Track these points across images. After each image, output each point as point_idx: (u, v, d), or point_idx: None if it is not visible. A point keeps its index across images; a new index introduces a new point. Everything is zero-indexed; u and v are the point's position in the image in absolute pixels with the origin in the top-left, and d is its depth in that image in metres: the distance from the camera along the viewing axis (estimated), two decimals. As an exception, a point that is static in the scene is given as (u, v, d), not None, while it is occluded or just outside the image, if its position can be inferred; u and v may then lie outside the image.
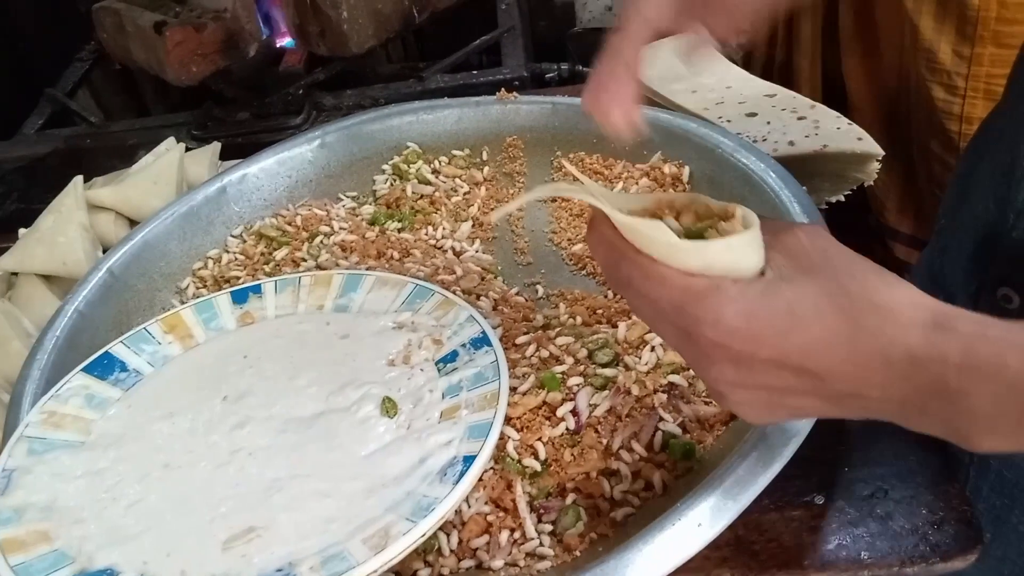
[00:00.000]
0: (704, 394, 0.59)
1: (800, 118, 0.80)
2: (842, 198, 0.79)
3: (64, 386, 0.62)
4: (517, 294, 0.74)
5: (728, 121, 0.82)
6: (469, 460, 0.51)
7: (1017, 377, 0.34)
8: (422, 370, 0.60)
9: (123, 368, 0.64)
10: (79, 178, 0.87)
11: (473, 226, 0.83)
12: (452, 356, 0.61)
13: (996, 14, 0.82)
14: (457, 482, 0.49)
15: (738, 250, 0.40)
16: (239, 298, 0.70)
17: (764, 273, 0.40)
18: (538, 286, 0.76)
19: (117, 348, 0.65)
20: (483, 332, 0.61)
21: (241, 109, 1.19)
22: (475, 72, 1.22)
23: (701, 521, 0.47)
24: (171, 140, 0.96)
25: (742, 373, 0.40)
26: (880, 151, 0.76)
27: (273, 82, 1.25)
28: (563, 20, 2.31)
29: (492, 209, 0.85)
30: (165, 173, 0.88)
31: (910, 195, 1.00)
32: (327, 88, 1.25)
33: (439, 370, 0.60)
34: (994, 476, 0.59)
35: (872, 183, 0.79)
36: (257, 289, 0.71)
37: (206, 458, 0.56)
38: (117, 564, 0.49)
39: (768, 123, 0.80)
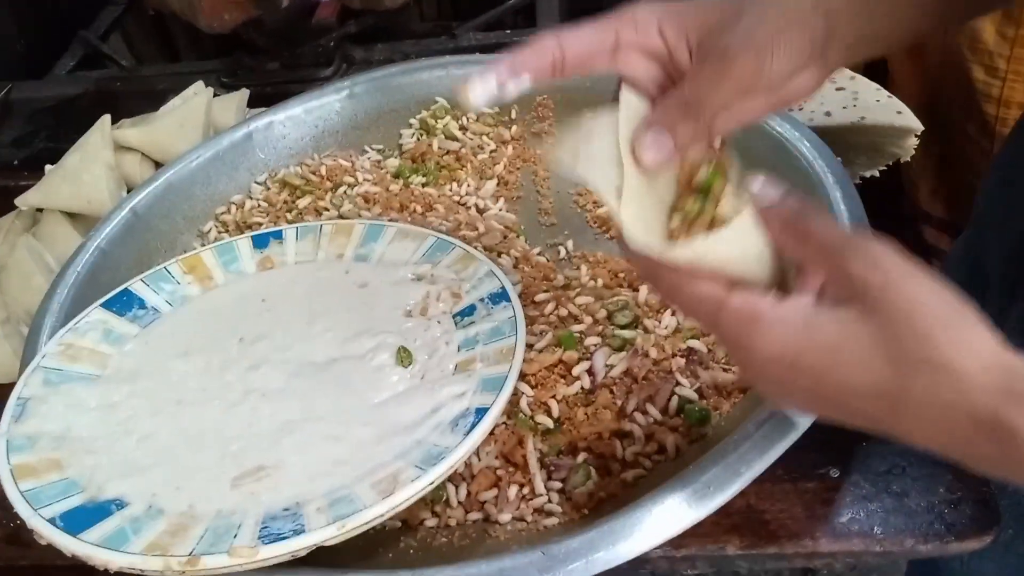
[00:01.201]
0: (723, 360, 0.58)
1: (839, 88, 0.78)
2: (876, 173, 0.77)
3: (82, 320, 0.62)
4: (539, 254, 0.73)
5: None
6: (481, 412, 0.50)
7: None
8: (439, 322, 0.60)
9: (142, 305, 0.64)
10: (106, 117, 0.86)
11: (498, 184, 0.82)
12: (470, 310, 0.60)
13: None
14: (468, 433, 0.49)
15: (722, 245, 0.39)
16: (260, 243, 0.70)
17: (802, 291, 0.38)
18: (561, 247, 0.75)
19: (136, 286, 0.65)
20: (502, 287, 0.60)
21: (271, 59, 1.17)
22: (508, 31, 1.20)
23: (712, 485, 0.46)
24: (199, 84, 0.95)
25: (784, 391, 0.39)
26: (919, 126, 0.74)
27: (305, 33, 1.24)
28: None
29: (518, 168, 0.84)
30: (192, 117, 0.88)
31: (944, 179, 0.98)
32: (358, 42, 1.23)
33: (456, 323, 0.60)
34: None
35: (908, 160, 0.77)
36: (278, 235, 0.70)
37: (219, 397, 0.56)
38: (126, 495, 0.49)
39: (805, 92, 0.78)
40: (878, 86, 0.77)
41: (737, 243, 0.39)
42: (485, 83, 0.43)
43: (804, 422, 0.49)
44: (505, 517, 0.53)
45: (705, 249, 0.39)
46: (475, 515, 0.54)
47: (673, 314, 0.61)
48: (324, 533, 0.44)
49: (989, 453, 0.33)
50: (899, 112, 0.74)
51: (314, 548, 0.44)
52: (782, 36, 0.41)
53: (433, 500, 0.54)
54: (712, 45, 0.42)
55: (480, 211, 0.79)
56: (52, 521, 0.46)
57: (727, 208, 0.41)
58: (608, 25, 0.44)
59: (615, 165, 0.42)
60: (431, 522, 0.54)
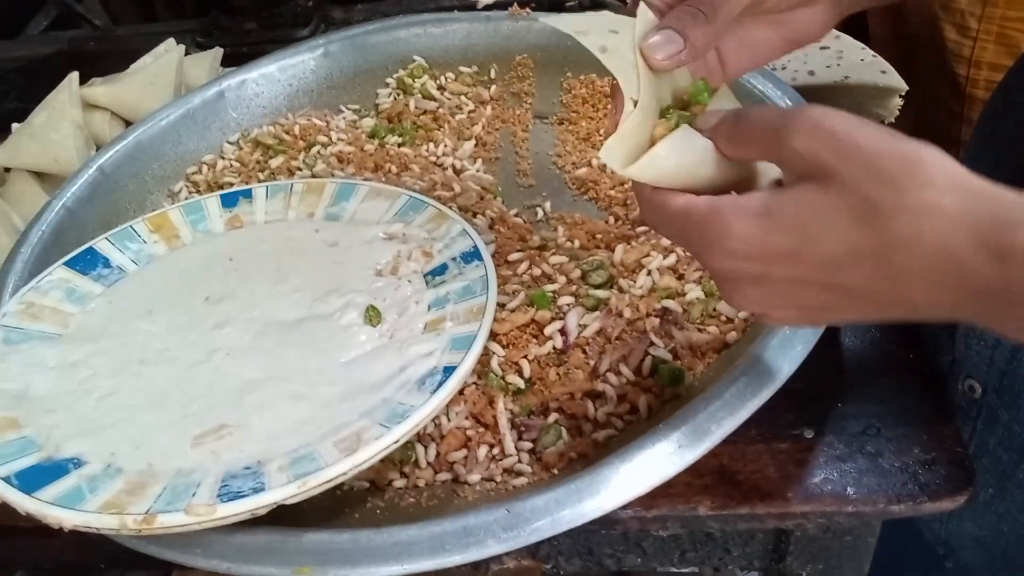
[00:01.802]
0: (698, 321, 0.57)
1: (823, 47, 0.77)
2: (860, 135, 0.75)
3: (45, 278, 0.60)
4: (516, 215, 0.72)
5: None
6: (449, 371, 0.49)
7: None
8: (410, 281, 0.59)
9: (106, 264, 0.63)
10: (74, 74, 0.84)
11: (476, 145, 0.81)
12: (441, 269, 0.59)
13: None
14: (435, 391, 0.48)
15: (670, 155, 0.39)
16: (229, 202, 0.68)
17: (758, 180, 0.38)
18: (539, 208, 0.73)
19: (101, 244, 0.64)
20: (475, 246, 0.59)
21: (248, 19, 1.15)
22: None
23: (682, 443, 0.46)
24: (171, 42, 0.93)
25: (765, 293, 0.38)
26: (903, 86, 0.73)
27: (284, -7, 1.22)
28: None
29: (497, 129, 0.83)
30: (163, 74, 0.86)
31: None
32: (338, 2, 1.21)
33: (427, 282, 0.59)
34: (1003, 430, 0.56)
35: (892, 122, 0.76)
36: (248, 193, 0.69)
37: (183, 356, 0.55)
38: (84, 453, 0.48)
39: (789, 51, 0.77)
40: (863, 45, 0.76)
41: (685, 150, 0.39)
42: (671, 37, 0.42)
43: (779, 379, 0.48)
44: (474, 477, 0.52)
45: (655, 159, 0.39)
46: (444, 475, 0.53)
47: (648, 274, 0.60)
48: (284, 491, 0.43)
49: (989, 280, 0.31)
50: (883, 72, 0.73)
51: (275, 507, 0.43)
52: None
53: (402, 460, 0.53)
54: None
55: (457, 172, 0.77)
56: (7, 479, 0.45)
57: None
58: None
59: (633, 68, 0.42)
60: (399, 483, 0.53)
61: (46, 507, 0.43)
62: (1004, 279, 0.31)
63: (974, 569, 0.64)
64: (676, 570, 0.59)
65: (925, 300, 0.34)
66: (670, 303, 0.57)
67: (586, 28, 0.42)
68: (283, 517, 0.45)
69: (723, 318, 0.57)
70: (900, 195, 0.32)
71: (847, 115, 0.34)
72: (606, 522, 0.51)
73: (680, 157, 0.39)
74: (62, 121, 0.80)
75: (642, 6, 0.43)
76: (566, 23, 0.43)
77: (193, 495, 0.44)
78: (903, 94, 0.73)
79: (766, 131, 0.36)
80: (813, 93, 0.71)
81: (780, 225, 0.35)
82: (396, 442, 0.46)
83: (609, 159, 0.39)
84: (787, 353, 0.49)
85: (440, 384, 0.48)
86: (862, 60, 0.74)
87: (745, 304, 0.40)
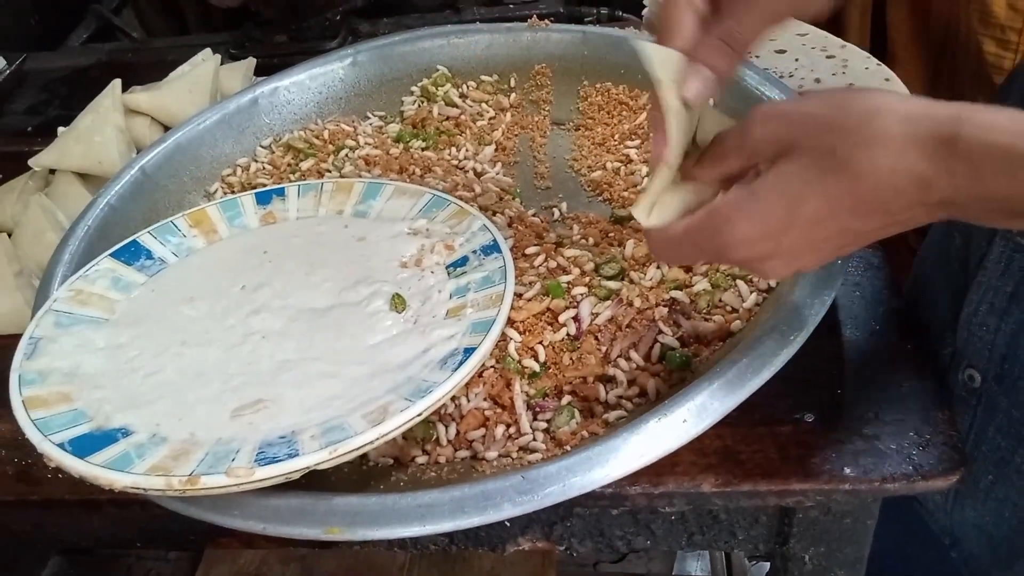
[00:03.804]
0: (704, 311, 0.61)
1: (829, 56, 0.80)
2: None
3: (92, 268, 0.64)
4: (533, 215, 0.75)
5: (757, 57, 0.81)
6: (469, 351, 0.53)
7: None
8: (432, 272, 0.62)
9: (149, 256, 0.67)
10: (117, 81, 0.89)
11: (496, 150, 0.85)
12: (463, 261, 0.63)
13: None
14: (456, 370, 0.51)
15: (676, 202, 0.46)
16: (263, 199, 0.72)
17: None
18: (555, 209, 0.77)
19: (144, 237, 0.68)
20: (494, 240, 0.63)
21: (279, 31, 1.20)
22: (511, 6, 1.22)
23: (686, 418, 0.49)
24: (207, 51, 0.98)
25: (786, 259, 0.43)
26: (907, 94, 0.75)
27: (313, 8, 1.26)
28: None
29: (516, 135, 0.86)
30: (200, 82, 0.91)
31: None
32: (364, 16, 1.26)
33: (449, 273, 0.62)
34: (1002, 416, 0.59)
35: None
36: (281, 192, 0.73)
37: (221, 338, 0.58)
38: (131, 424, 0.52)
39: (796, 60, 0.80)
40: (867, 54, 0.79)
41: (685, 192, 0.46)
42: (704, 75, 0.45)
43: (779, 360, 0.51)
44: (492, 454, 0.55)
45: (666, 209, 0.46)
46: (463, 453, 0.56)
47: (658, 267, 0.63)
48: (316, 457, 0.47)
49: (944, 190, 0.36)
50: (887, 80, 0.76)
51: (307, 471, 0.47)
52: None
53: (424, 438, 0.57)
54: None
55: (478, 174, 0.81)
56: (61, 446, 0.49)
57: None
58: None
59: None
60: (421, 459, 0.56)
61: (98, 470, 0.47)
62: (952, 181, 0.36)
63: (979, 557, 0.66)
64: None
65: (907, 217, 0.38)
66: (678, 294, 0.61)
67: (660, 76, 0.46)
68: (314, 483, 0.49)
69: (728, 308, 0.61)
70: (850, 139, 0.37)
71: (797, 97, 0.39)
72: (616, 498, 0.54)
73: (683, 200, 0.46)
74: (106, 125, 0.85)
75: (662, 49, 0.46)
76: (652, 67, 0.46)
77: (233, 460, 0.47)
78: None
79: (732, 140, 0.42)
80: (819, 100, 0.74)
81: (768, 202, 0.39)
82: (419, 415, 0.49)
83: (640, 216, 0.46)
84: (786, 340, 0.52)
85: (461, 363, 0.52)
86: (866, 68, 0.77)
87: (776, 273, 0.45)
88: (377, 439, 0.48)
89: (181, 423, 0.52)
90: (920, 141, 0.36)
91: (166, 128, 0.90)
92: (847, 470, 0.54)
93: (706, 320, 0.60)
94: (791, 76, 0.78)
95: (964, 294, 0.59)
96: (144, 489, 0.47)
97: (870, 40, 1.11)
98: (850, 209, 0.38)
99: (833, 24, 1.15)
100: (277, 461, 0.47)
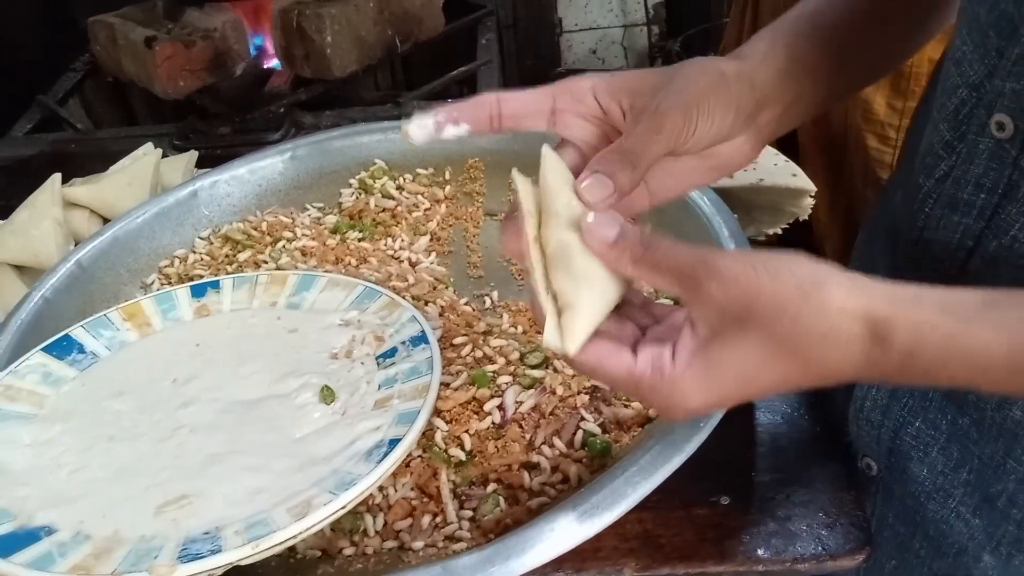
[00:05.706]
0: (624, 398, 0.63)
1: (741, 153, 0.85)
2: (779, 231, 0.83)
3: (23, 363, 0.65)
4: (465, 303, 0.78)
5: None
6: (394, 443, 0.54)
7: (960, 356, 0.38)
8: (362, 363, 0.64)
9: (81, 350, 0.68)
10: (57, 175, 0.91)
11: (431, 240, 0.87)
12: (392, 352, 0.64)
13: (927, 71, 0.88)
14: (380, 461, 0.53)
15: (593, 321, 0.44)
16: (198, 292, 0.74)
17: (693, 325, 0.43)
18: (487, 297, 0.79)
19: (77, 331, 0.69)
20: (422, 331, 0.65)
21: (223, 123, 1.23)
22: (450, 100, 1.27)
23: (600, 506, 0.50)
24: (149, 145, 1.00)
25: (720, 404, 0.45)
26: (812, 187, 0.81)
27: (258, 100, 1.31)
28: (549, 60, 2.39)
29: (450, 225, 0.90)
30: (140, 175, 0.92)
31: (849, 237, 1.05)
32: (309, 108, 1.30)
33: (378, 364, 0.64)
34: (897, 503, 0.61)
35: (809, 219, 0.84)
36: (216, 284, 0.74)
37: (149, 433, 0.59)
38: (55, 522, 0.52)
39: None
40: (776, 151, 0.84)
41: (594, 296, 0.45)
42: (424, 122, 0.48)
43: (690, 446, 0.54)
44: (418, 544, 0.56)
45: (579, 333, 0.44)
46: (391, 543, 0.57)
47: (581, 356, 0.65)
48: (239, 552, 0.47)
49: (886, 371, 0.40)
50: (794, 175, 0.81)
51: (230, 567, 0.47)
52: (708, 98, 0.46)
53: (351, 530, 0.57)
54: (644, 105, 0.47)
55: (412, 264, 0.84)
56: (-19, 546, 0.49)
57: None
58: (545, 91, 0.49)
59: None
60: (349, 551, 0.57)
61: (19, 569, 0.47)
62: (892, 368, 0.39)
63: None
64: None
65: (845, 382, 0.42)
66: (598, 382, 0.63)
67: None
68: (239, 579, 0.49)
69: (647, 395, 0.63)
70: (804, 333, 0.39)
71: (749, 259, 0.40)
72: (538, 584, 0.55)
73: (592, 308, 0.44)
74: (43, 219, 0.86)
75: (551, 152, 0.47)
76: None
77: (156, 557, 0.48)
78: (813, 194, 0.81)
79: (684, 272, 0.41)
80: (734, 194, 0.79)
81: (726, 380, 0.42)
82: (343, 508, 0.50)
83: (554, 345, 0.44)
84: (696, 427, 0.55)
85: (385, 455, 0.53)
86: (775, 164, 0.83)
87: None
88: (300, 533, 0.48)
89: (105, 520, 0.52)
90: (863, 338, 0.39)
91: (105, 220, 0.92)
92: (760, 551, 0.56)
93: (626, 407, 0.62)
94: (707, 171, 0.83)
95: (852, 389, 0.62)
96: (64, 589, 0.47)
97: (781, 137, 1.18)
98: (795, 383, 0.42)
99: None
100: (200, 558, 0.47)
